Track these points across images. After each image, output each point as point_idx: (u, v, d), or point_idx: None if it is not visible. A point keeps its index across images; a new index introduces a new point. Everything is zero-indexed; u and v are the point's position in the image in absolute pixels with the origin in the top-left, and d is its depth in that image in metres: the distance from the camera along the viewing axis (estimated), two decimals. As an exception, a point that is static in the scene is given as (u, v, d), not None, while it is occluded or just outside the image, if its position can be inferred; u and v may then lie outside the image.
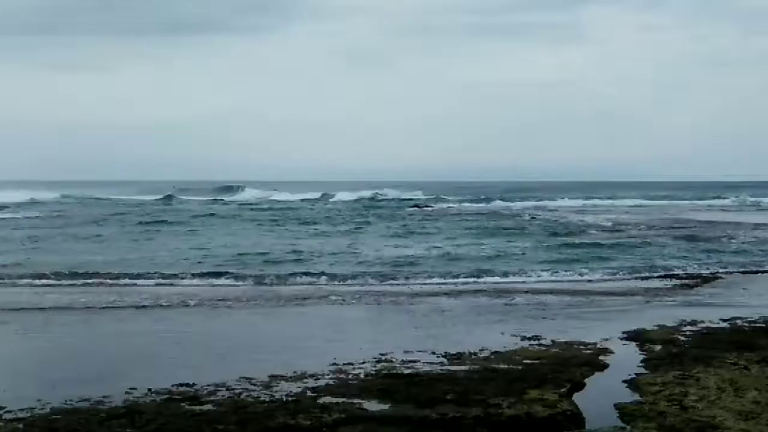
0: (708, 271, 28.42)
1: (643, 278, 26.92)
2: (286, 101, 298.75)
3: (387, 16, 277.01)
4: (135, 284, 25.07)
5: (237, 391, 12.20)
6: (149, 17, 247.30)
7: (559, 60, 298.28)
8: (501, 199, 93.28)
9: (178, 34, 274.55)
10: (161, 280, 25.75)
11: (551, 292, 23.65)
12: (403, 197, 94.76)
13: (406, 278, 26.64)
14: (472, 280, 26.32)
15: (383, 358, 14.51)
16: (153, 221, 52.74)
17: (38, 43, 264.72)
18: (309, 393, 12.10)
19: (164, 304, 21.18)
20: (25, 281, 25.50)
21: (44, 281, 25.46)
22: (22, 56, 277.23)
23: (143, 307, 20.67)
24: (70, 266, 28.18)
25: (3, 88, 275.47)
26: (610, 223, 52.94)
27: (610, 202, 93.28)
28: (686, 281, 25.96)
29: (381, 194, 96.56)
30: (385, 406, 11.48)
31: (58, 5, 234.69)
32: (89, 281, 25.52)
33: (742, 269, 29.14)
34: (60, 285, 24.86)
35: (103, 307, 20.56)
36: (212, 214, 60.75)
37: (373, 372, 13.45)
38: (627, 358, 14.59)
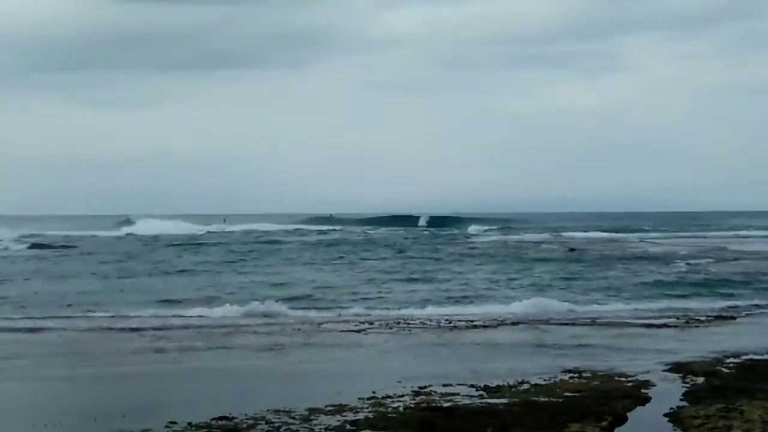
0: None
1: (683, 309, 26.58)
2: (324, 134, 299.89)
3: (425, 48, 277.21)
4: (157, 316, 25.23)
5: (276, 425, 12.19)
6: (188, 52, 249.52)
7: (598, 89, 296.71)
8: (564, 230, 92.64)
9: (217, 69, 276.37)
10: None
11: (590, 323, 23.45)
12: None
13: (446, 309, 26.61)
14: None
15: (422, 390, 14.45)
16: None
17: (76, 80, 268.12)
18: (348, 426, 12.06)
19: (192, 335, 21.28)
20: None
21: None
22: (60, 92, 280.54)
23: (180, 337, 20.80)
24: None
25: (42, 124, 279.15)
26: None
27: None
28: (729, 312, 25.63)
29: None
30: (425, 440, 11.41)
31: (95, 41, 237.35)
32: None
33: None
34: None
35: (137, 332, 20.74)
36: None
37: (412, 405, 13.38)
38: (669, 391, 14.41)
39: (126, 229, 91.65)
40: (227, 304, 26.92)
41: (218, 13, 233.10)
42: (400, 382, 15.13)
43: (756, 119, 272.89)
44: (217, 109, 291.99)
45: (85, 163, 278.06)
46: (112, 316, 25.25)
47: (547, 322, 23.72)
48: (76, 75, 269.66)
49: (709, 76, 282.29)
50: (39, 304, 28.08)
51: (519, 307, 26.58)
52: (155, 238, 76.94)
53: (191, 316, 25.23)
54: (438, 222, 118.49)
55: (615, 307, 27.22)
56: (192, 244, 66.00)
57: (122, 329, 22.78)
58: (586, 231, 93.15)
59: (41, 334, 22.14)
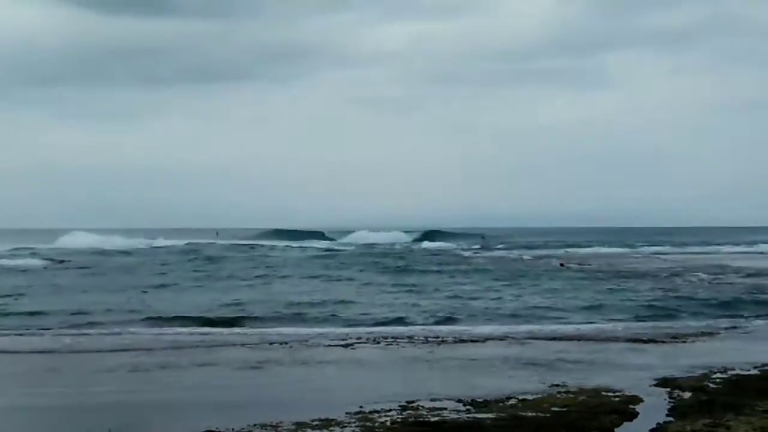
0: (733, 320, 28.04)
1: (670, 325, 26.65)
2: (312, 148, 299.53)
3: (413, 64, 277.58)
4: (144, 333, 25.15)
5: (263, 440, 12.16)
6: (175, 66, 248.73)
7: (585, 104, 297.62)
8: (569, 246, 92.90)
9: (204, 83, 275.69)
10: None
11: (578, 338, 23.47)
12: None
13: (434, 324, 26.64)
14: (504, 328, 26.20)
15: (409, 405, 14.43)
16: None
17: (66, 93, 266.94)
18: (335, 441, 12.04)
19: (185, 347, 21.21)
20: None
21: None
22: (50, 106, 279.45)
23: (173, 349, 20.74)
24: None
25: (33, 137, 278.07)
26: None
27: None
28: (713, 328, 25.70)
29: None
30: (412, 455, 11.38)
31: (84, 55, 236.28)
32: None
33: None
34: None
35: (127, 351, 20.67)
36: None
37: (400, 420, 13.36)
38: (656, 406, 14.44)
39: (59, 243, 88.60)
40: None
41: (206, 27, 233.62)
42: (387, 395, 15.11)
43: (743, 134, 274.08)
44: (203, 123, 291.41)
45: (71, 176, 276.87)
46: (97, 333, 25.19)
47: (534, 337, 23.72)
48: (62, 89, 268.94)
49: (696, 91, 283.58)
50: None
51: (508, 323, 26.69)
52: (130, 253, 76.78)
53: (177, 333, 25.17)
54: (428, 237, 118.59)
55: (602, 323, 27.24)
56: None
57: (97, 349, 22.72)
58: (575, 246, 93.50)
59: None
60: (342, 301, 33.17)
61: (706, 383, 16.39)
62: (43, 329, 25.60)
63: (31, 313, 29.26)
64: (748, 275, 46.73)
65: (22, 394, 16.22)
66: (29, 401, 15.47)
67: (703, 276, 46.40)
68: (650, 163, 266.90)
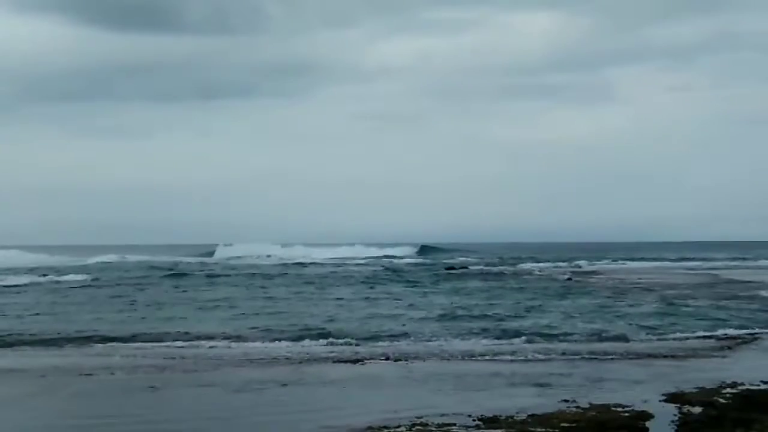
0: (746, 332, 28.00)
1: (681, 339, 26.59)
2: (318, 163, 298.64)
3: (419, 78, 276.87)
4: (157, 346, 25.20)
5: (272, 456, 12.18)
6: (182, 82, 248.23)
7: (592, 120, 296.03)
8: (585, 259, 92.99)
9: (210, 99, 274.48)
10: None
11: (591, 354, 23.42)
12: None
13: (442, 339, 26.57)
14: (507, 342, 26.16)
15: (418, 421, 14.43)
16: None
17: (74, 110, 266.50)
18: (344, 457, 12.04)
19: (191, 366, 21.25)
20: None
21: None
22: (58, 123, 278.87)
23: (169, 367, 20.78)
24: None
25: (40, 154, 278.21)
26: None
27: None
28: (725, 341, 25.62)
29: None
30: (421, 471, 11.39)
31: (88, 72, 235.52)
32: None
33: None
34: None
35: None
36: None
37: (408, 436, 13.37)
38: (665, 421, 14.41)
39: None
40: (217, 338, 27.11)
41: (212, 43, 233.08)
42: (396, 411, 15.12)
43: (748, 149, 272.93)
44: (210, 139, 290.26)
45: (77, 192, 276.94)
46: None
47: (546, 353, 23.67)
48: (70, 106, 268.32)
49: (703, 106, 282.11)
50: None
51: (516, 339, 26.71)
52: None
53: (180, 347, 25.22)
54: (428, 251, 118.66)
55: (613, 338, 27.15)
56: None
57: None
58: (584, 260, 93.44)
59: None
60: (355, 318, 33.12)
61: (715, 398, 16.34)
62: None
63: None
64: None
65: None
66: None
67: (707, 288, 46.19)
68: (655, 178, 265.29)
